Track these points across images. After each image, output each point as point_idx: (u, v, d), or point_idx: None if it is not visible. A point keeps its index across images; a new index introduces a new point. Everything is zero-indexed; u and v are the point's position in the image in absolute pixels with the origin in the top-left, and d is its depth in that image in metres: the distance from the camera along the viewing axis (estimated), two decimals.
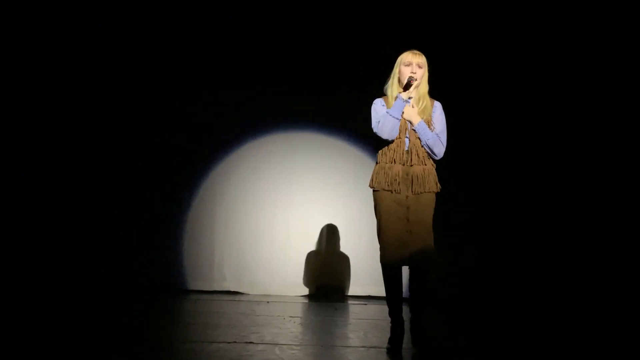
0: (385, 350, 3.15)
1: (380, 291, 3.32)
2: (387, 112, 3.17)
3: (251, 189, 6.69)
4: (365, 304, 5.63)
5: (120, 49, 6.47)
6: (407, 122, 3.23)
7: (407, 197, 3.17)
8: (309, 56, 6.58)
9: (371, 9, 6.36)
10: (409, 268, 3.23)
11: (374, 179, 3.25)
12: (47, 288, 5.84)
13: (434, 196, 3.23)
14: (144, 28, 6.47)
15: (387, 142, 3.23)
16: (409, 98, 3.24)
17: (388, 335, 3.25)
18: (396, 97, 3.23)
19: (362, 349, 3.25)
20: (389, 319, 3.25)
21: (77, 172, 6.45)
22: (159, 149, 6.62)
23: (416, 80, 3.20)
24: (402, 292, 3.25)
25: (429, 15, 6.25)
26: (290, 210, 6.68)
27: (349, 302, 6.03)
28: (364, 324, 4.27)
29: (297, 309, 5.25)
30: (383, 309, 4.90)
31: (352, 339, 3.52)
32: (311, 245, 6.66)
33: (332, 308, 5.44)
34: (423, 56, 3.27)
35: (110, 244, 6.37)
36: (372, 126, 3.23)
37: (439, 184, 3.26)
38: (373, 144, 3.36)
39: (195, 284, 6.49)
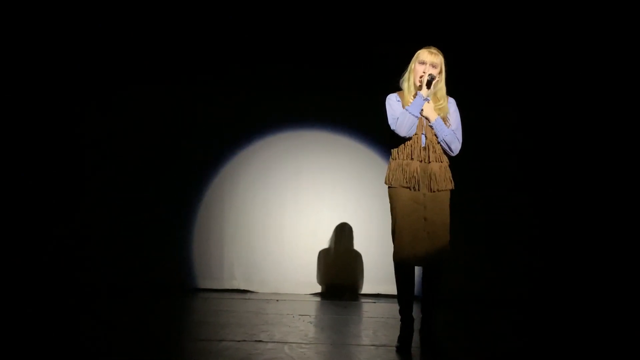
0: (395, 348, 3.14)
1: (391, 289, 3.30)
2: (406, 110, 3.14)
3: (260, 189, 6.69)
4: (375, 302, 5.61)
5: (124, 49, 6.47)
6: (424, 118, 3.21)
7: (424, 194, 3.14)
8: (315, 54, 6.55)
9: (379, 6, 6.33)
10: (423, 268, 3.20)
11: (391, 176, 3.20)
12: (61, 287, 5.87)
13: (449, 194, 3.21)
14: (150, 28, 6.47)
15: (403, 139, 3.19)
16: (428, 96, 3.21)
17: (398, 333, 3.24)
18: (415, 94, 3.21)
19: (372, 347, 3.23)
20: (399, 317, 3.23)
21: (89, 174, 6.48)
22: (168, 150, 6.63)
23: (437, 79, 3.17)
24: (413, 291, 3.23)
25: (439, 12, 6.20)
26: (300, 209, 6.68)
27: (360, 300, 6.01)
28: (374, 322, 4.26)
29: (307, 308, 5.24)
30: (393, 307, 4.88)
31: (362, 338, 3.51)
32: (321, 243, 6.65)
33: (342, 306, 5.44)
34: (440, 55, 3.22)
35: (120, 244, 6.40)
36: (390, 123, 3.17)
37: (453, 182, 3.24)
38: (386, 140, 3.29)
39: (205, 283, 6.51)
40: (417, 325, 3.26)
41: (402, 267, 3.16)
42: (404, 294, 3.19)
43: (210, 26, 6.55)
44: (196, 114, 6.68)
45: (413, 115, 3.12)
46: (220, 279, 6.54)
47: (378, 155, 6.58)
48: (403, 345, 3.14)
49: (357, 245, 6.54)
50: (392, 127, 3.16)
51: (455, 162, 3.35)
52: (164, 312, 4.73)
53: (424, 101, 3.15)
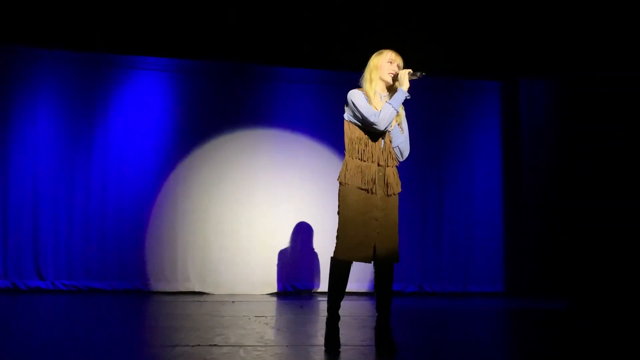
0: (325, 348, 3.12)
1: (349, 287, 3.27)
2: (389, 103, 3.14)
3: (214, 189, 6.62)
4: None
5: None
6: None
7: (379, 197, 3.17)
8: (268, 51, 6.49)
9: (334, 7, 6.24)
10: (375, 268, 3.21)
11: (346, 175, 3.18)
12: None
13: (398, 197, 3.26)
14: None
15: (362, 139, 3.20)
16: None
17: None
18: (391, 87, 3.21)
19: None
20: (327, 315, 3.17)
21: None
22: (121, 151, 6.50)
23: (424, 75, 3.18)
24: (345, 288, 3.23)
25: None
26: (254, 209, 6.64)
27: (318, 299, 6.01)
28: None
29: (264, 308, 5.21)
30: (349, 305, 4.90)
31: (318, 338, 3.50)
32: (277, 242, 6.63)
33: (298, 306, 5.42)
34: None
35: (71, 245, 6.24)
36: (367, 116, 3.11)
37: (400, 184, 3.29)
38: (345, 137, 3.27)
39: (159, 285, 6.39)
40: (365, 323, 3.27)
41: (344, 264, 3.15)
42: (340, 293, 3.18)
43: (156, 21, 6.32)
44: (150, 115, 6.57)
45: (395, 109, 3.14)
46: (175, 281, 6.44)
47: (331, 152, 6.61)
48: (333, 342, 3.13)
49: (315, 243, 6.55)
50: (372, 119, 3.13)
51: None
52: (115, 316, 4.61)
53: (405, 97, 3.17)
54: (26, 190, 6.23)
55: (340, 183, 3.21)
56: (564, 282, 5.77)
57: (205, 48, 6.35)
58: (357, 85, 3.26)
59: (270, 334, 3.72)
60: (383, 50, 3.28)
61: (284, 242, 6.64)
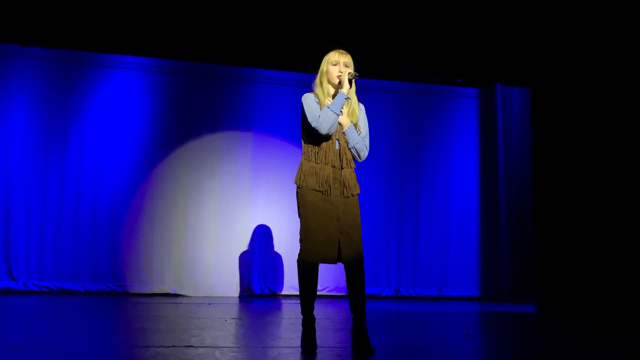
0: (301, 350, 3.12)
1: (324, 290, 3.27)
2: (327, 107, 3.16)
3: (191, 190, 6.58)
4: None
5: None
6: (339, 124, 3.25)
7: (336, 197, 3.18)
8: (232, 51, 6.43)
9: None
10: (346, 269, 3.22)
11: (302, 178, 3.20)
12: None
13: (357, 198, 3.27)
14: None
15: (316, 141, 3.21)
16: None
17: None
18: (336, 93, 3.24)
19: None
20: (302, 317, 3.18)
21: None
22: (95, 149, 6.42)
23: (357, 76, 3.22)
24: (316, 289, 3.25)
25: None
26: (231, 211, 6.61)
27: (295, 301, 6.00)
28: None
29: (240, 310, 5.18)
30: (324, 307, 4.90)
31: (295, 339, 3.49)
32: (254, 245, 6.61)
33: (275, 308, 5.40)
34: (349, 55, 3.30)
35: (40, 245, 6.13)
36: (310, 120, 3.16)
37: (358, 186, 3.31)
38: (302, 140, 3.29)
39: (134, 287, 6.32)
40: (341, 325, 3.27)
41: (311, 266, 3.15)
42: (311, 294, 3.19)
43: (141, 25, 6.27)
44: (128, 113, 6.50)
45: (335, 112, 3.15)
46: (150, 283, 6.37)
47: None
48: (310, 346, 3.14)
49: (294, 245, 6.55)
50: (313, 124, 3.16)
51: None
52: (87, 318, 4.54)
53: (345, 99, 3.19)
54: None
55: (297, 186, 3.22)
56: (539, 287, 5.85)
57: (184, 48, 6.28)
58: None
59: (246, 336, 3.70)
60: (329, 52, 3.31)
61: (262, 244, 6.62)
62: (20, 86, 6.26)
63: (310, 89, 3.35)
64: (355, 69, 3.29)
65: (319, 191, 3.16)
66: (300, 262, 3.17)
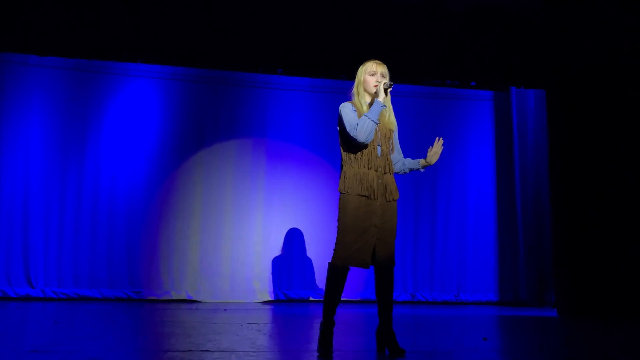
0: (318, 353, 3.11)
1: (345, 294, 3.28)
2: (365, 115, 3.20)
3: (207, 196, 6.61)
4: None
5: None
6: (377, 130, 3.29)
7: (379, 203, 3.20)
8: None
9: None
10: (376, 273, 3.25)
11: (346, 184, 3.24)
12: None
13: (396, 203, 3.29)
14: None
15: (359, 148, 3.24)
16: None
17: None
18: (372, 102, 3.27)
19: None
20: (322, 319, 3.19)
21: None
22: (112, 156, 6.48)
23: (392, 85, 3.26)
24: (341, 295, 3.26)
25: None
26: (247, 217, 6.62)
27: (311, 307, 5.98)
28: None
29: (256, 316, 5.17)
30: (346, 312, 4.88)
31: (311, 343, 3.47)
32: (270, 251, 6.61)
33: (292, 314, 5.39)
34: (385, 66, 3.34)
35: (58, 252, 6.19)
36: (348, 129, 3.21)
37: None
38: (341, 147, 3.32)
39: (150, 293, 6.35)
40: (356, 329, 3.26)
41: (342, 270, 3.17)
42: (336, 298, 3.20)
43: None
44: (144, 120, 6.56)
45: (372, 120, 3.19)
46: (166, 289, 6.39)
47: (326, 162, 6.61)
48: (327, 349, 3.12)
49: (308, 251, 6.54)
50: (352, 133, 3.21)
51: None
52: (105, 323, 4.56)
53: (381, 107, 3.22)
54: (17, 197, 6.19)
55: (340, 192, 3.25)
56: (560, 289, 5.77)
57: (199, 56, 6.33)
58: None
59: (262, 340, 3.69)
60: (366, 62, 3.35)
61: (277, 250, 6.62)
62: (39, 95, 6.35)
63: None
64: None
65: (364, 196, 3.20)
66: (333, 265, 3.19)
